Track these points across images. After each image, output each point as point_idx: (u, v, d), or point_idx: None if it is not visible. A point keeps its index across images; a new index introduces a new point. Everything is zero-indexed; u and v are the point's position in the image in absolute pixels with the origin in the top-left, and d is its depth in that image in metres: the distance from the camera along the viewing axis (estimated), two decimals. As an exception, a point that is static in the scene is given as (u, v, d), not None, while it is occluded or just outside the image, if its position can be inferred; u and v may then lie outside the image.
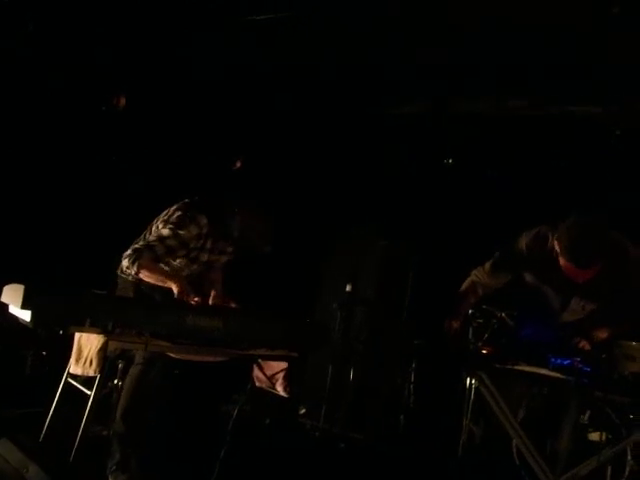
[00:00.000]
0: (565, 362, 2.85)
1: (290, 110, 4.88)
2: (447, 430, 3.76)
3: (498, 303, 3.58)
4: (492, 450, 3.43)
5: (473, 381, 3.38)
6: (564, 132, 4.56)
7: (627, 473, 3.08)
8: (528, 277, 3.31)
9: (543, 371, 2.87)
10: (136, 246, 3.23)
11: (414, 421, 4.03)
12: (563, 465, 3.03)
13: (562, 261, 2.99)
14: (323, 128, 4.97)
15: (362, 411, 4.10)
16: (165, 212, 3.31)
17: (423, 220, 4.76)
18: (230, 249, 3.42)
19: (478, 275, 3.39)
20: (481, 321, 3.61)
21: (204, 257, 3.36)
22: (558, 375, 2.83)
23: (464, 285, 3.40)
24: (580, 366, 2.82)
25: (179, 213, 3.25)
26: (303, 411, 3.95)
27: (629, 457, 3.07)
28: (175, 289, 3.09)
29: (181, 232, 3.20)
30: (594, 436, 3.29)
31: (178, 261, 3.31)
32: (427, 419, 3.98)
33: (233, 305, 3.32)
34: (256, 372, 3.24)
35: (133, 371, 3.17)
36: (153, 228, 3.31)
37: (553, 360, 2.88)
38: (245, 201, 3.31)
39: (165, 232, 3.22)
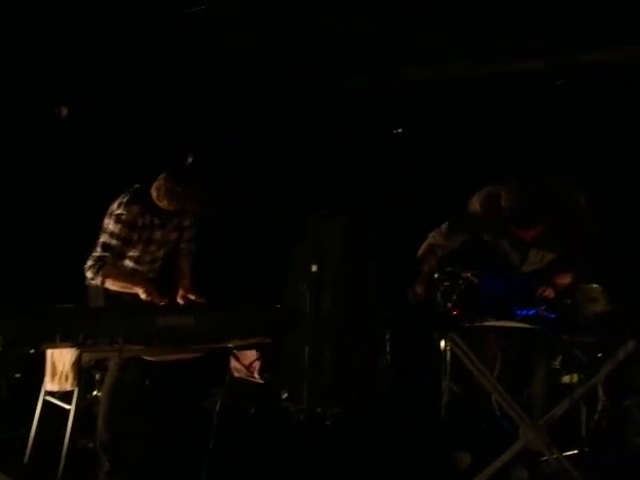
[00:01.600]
0: (531, 312, 3.01)
1: (244, 96, 4.94)
2: (428, 393, 3.91)
3: (461, 263, 3.71)
4: (473, 406, 3.58)
5: (447, 343, 3.53)
6: (505, 92, 4.70)
7: (599, 408, 3.28)
8: (485, 235, 3.46)
9: (511, 324, 3.02)
10: (95, 254, 3.30)
11: (394, 389, 4.17)
12: (540, 410, 3.22)
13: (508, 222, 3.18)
14: (277, 110, 5.04)
15: (343, 387, 4.24)
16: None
17: (383, 191, 4.87)
18: (186, 222, 3.55)
19: (436, 237, 3.54)
20: (448, 284, 3.75)
21: (157, 234, 3.45)
22: (525, 325, 2.98)
23: (422, 248, 3.55)
24: (545, 314, 2.98)
25: (118, 201, 3.40)
26: (285, 395, 4.06)
27: (600, 393, 3.27)
28: (141, 293, 3.18)
29: (123, 216, 3.33)
30: (567, 379, 3.48)
31: (137, 249, 3.38)
32: (407, 386, 4.12)
33: (201, 299, 3.41)
34: (233, 363, 3.34)
35: (108, 379, 3.25)
36: (103, 228, 3.39)
37: (519, 312, 3.03)
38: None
39: (111, 225, 3.35)
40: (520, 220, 3.20)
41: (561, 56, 4.63)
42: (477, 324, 3.10)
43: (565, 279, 3.30)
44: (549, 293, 3.23)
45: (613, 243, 3.36)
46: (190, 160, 4.39)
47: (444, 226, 3.54)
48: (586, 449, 3.33)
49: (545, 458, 3.09)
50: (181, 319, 3.03)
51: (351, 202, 4.75)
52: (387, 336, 4.12)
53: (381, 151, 5.00)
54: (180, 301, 3.47)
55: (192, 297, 3.45)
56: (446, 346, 3.61)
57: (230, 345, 3.17)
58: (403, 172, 4.87)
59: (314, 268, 4.03)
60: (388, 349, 4.18)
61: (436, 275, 3.68)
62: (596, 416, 3.37)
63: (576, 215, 3.34)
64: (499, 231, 3.37)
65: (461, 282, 3.69)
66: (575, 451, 3.30)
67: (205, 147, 4.64)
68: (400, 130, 5.19)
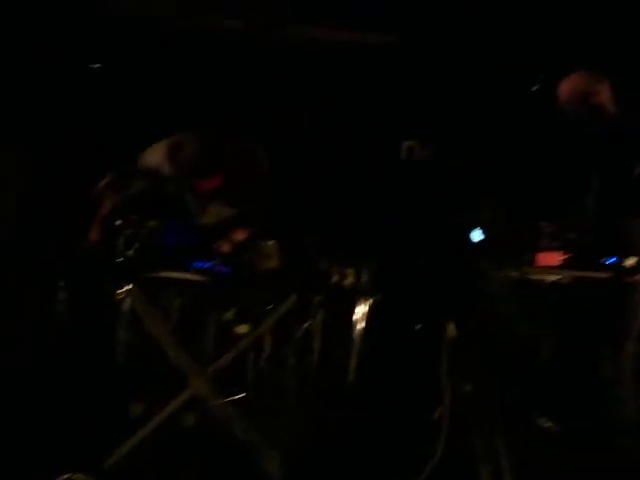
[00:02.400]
0: (206, 265, 3.09)
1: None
2: (106, 342, 3.82)
3: (144, 211, 3.65)
4: (149, 356, 3.60)
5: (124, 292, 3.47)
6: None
7: (265, 356, 3.55)
8: (166, 184, 3.44)
9: (187, 276, 3.08)
10: None
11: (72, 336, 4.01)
12: (210, 359, 3.36)
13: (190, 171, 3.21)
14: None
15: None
16: None
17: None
18: None
19: (113, 180, 3.42)
20: (130, 231, 3.66)
21: None
22: (200, 278, 3.06)
23: (98, 190, 3.41)
24: (220, 268, 3.08)
25: None
26: None
27: (266, 342, 3.54)
28: None
29: None
30: (239, 329, 3.68)
31: None
32: (83, 332, 3.98)
33: None
34: None
35: None
36: None
37: (195, 264, 3.10)
38: None
39: None
40: (199, 169, 3.23)
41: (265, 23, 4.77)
42: (155, 275, 3.11)
43: (241, 235, 3.45)
44: (225, 247, 3.35)
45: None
46: None
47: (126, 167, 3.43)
48: (251, 393, 3.58)
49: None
50: None
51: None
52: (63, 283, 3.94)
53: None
54: None
55: None
56: (123, 295, 3.55)
57: None
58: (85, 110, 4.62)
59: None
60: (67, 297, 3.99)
61: (118, 222, 3.57)
62: (261, 362, 3.63)
63: (254, 169, 3.49)
64: (180, 181, 3.37)
65: (145, 230, 3.62)
66: (242, 395, 3.53)
67: None
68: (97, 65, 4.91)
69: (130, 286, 3.29)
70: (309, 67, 4.95)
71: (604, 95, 3.30)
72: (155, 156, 3.39)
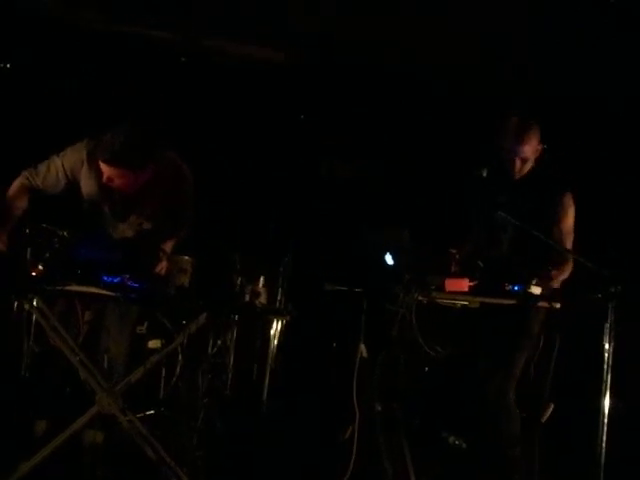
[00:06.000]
0: (115, 280, 2.95)
1: None
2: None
3: (59, 220, 3.47)
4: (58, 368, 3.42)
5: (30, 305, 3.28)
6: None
7: (178, 371, 3.43)
8: (85, 190, 3.28)
9: (93, 289, 2.93)
10: None
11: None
12: (120, 374, 3.22)
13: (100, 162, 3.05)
14: None
15: None
16: None
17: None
18: None
19: (30, 177, 3.24)
20: (41, 241, 3.46)
21: None
22: (108, 292, 2.92)
23: (13, 188, 3.22)
24: (129, 283, 2.95)
25: None
26: None
27: (180, 357, 3.42)
28: None
29: None
30: (152, 343, 3.55)
31: None
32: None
33: None
34: None
35: None
36: None
37: (105, 279, 2.96)
38: None
39: None
40: (111, 151, 3.03)
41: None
42: (59, 287, 2.94)
43: (167, 247, 3.31)
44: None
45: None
46: None
47: (43, 166, 3.24)
48: (162, 409, 3.45)
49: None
50: None
51: None
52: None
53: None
54: None
55: None
56: (25, 309, 3.35)
57: None
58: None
59: None
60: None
61: (28, 230, 3.36)
62: (174, 379, 3.51)
63: (181, 186, 3.38)
64: (102, 187, 3.19)
65: (56, 240, 3.43)
66: (152, 412, 3.39)
67: None
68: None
69: (36, 299, 3.11)
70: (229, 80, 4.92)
71: (531, 145, 3.31)
72: (74, 157, 3.22)
